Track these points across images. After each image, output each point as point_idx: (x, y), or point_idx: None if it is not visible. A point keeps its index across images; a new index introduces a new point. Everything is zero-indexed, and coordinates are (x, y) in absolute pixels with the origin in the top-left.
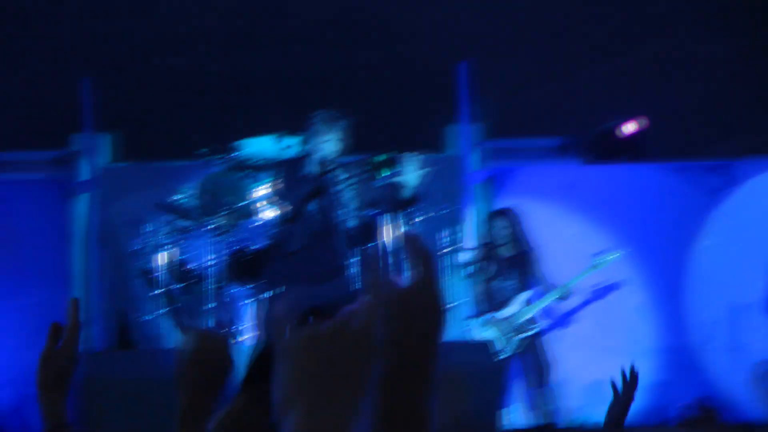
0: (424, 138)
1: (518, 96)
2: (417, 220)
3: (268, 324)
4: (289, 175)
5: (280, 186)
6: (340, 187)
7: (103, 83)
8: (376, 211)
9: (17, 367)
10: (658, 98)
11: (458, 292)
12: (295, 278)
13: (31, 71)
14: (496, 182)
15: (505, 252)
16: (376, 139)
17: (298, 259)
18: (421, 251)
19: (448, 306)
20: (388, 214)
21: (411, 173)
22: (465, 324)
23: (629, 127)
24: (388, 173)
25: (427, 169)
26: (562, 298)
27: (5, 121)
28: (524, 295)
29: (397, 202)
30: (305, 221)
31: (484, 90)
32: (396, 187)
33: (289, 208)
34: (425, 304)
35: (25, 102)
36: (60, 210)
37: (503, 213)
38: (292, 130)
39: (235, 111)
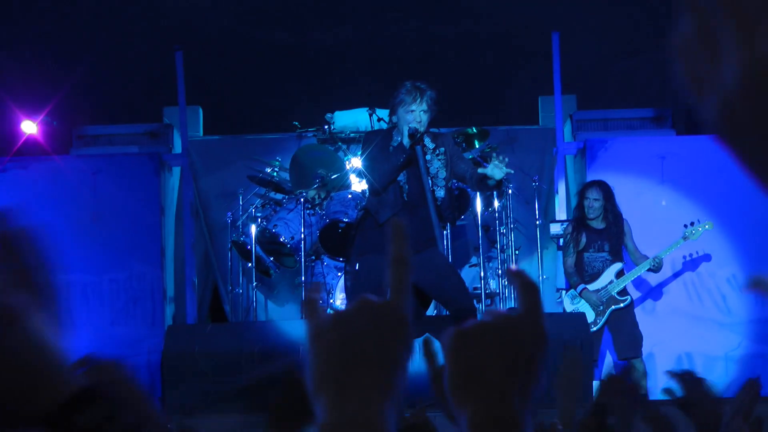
0: (516, 110)
1: (611, 66)
2: (509, 191)
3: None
4: (380, 146)
5: (372, 157)
6: (429, 157)
7: (196, 56)
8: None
9: (111, 340)
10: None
11: (550, 264)
12: (385, 250)
13: (125, 45)
14: (588, 153)
15: (597, 224)
16: (467, 111)
17: (389, 230)
18: (527, 285)
19: (549, 334)
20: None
21: (496, 167)
22: (556, 296)
23: None
24: (479, 145)
25: (511, 171)
26: (654, 269)
27: (100, 94)
28: (615, 267)
29: (479, 188)
30: (396, 191)
31: (576, 60)
32: (480, 176)
33: (380, 177)
34: (531, 334)
35: (119, 75)
36: (153, 183)
37: (596, 185)
38: (383, 103)
39: (327, 84)
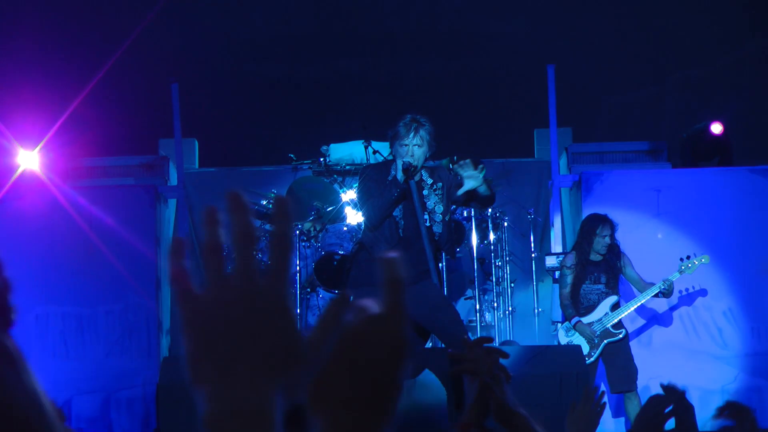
0: (512, 142)
1: (606, 99)
2: (504, 224)
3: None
4: (376, 179)
5: (367, 191)
6: (425, 191)
7: (192, 89)
8: (462, 212)
9: (106, 372)
10: (746, 101)
11: (545, 297)
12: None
13: (120, 77)
14: (583, 186)
15: (594, 256)
16: (463, 143)
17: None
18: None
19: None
20: (474, 215)
21: (468, 178)
22: (552, 329)
23: (717, 128)
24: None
25: (481, 166)
26: (665, 294)
27: (96, 126)
28: (611, 300)
29: (473, 206)
30: (392, 226)
31: (572, 93)
32: (465, 198)
33: (375, 212)
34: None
35: (115, 107)
36: (149, 215)
37: (608, 222)
38: (379, 135)
39: (323, 116)
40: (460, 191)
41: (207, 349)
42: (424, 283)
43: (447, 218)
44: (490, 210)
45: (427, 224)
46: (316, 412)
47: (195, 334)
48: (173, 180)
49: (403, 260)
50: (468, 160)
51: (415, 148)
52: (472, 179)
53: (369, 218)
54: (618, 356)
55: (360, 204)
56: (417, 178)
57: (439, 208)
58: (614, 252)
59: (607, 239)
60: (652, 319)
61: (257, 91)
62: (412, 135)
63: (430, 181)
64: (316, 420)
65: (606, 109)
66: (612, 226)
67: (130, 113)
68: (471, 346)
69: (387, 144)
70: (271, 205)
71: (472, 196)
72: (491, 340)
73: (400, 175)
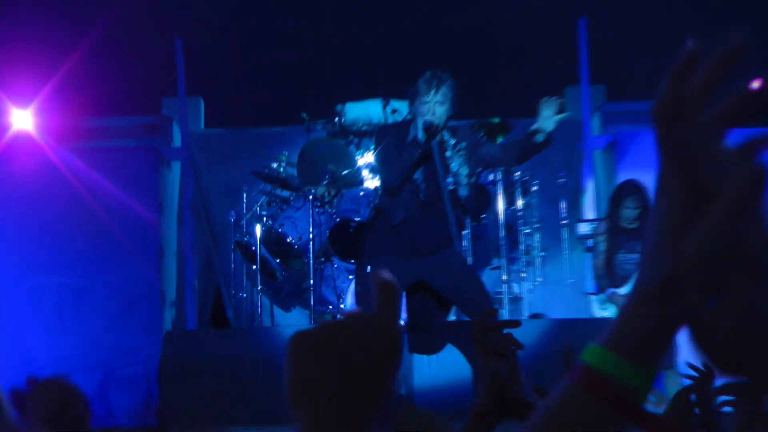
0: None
1: (642, 54)
2: (533, 188)
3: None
4: (395, 141)
5: (385, 153)
6: (448, 153)
7: (197, 44)
8: (490, 174)
9: (106, 348)
10: None
11: (578, 267)
12: (399, 251)
13: (122, 32)
14: (618, 148)
15: (631, 224)
16: (489, 103)
17: (403, 230)
18: (383, 284)
19: (400, 351)
20: (503, 176)
21: (547, 118)
22: (585, 301)
23: (757, 84)
24: (502, 139)
25: (564, 114)
26: None
27: (95, 84)
28: None
29: (524, 154)
30: (411, 190)
31: (605, 48)
32: (528, 134)
33: (394, 176)
34: (382, 341)
35: (115, 64)
36: (151, 179)
37: (633, 193)
38: (399, 93)
39: (339, 73)
40: (540, 136)
41: (305, 379)
42: (447, 251)
43: (473, 181)
44: (518, 173)
45: (450, 188)
46: (298, 404)
47: (298, 363)
48: (177, 142)
49: (424, 227)
50: (554, 98)
51: (436, 105)
52: (551, 121)
53: (387, 182)
54: None
55: (377, 167)
56: (439, 138)
57: (464, 170)
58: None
59: (634, 211)
60: None
61: (267, 46)
62: (433, 92)
63: (453, 141)
64: (297, 412)
65: (642, 64)
66: (642, 196)
67: (131, 70)
68: (491, 329)
69: (407, 102)
70: (282, 169)
71: (530, 144)
72: (518, 324)
73: (421, 135)
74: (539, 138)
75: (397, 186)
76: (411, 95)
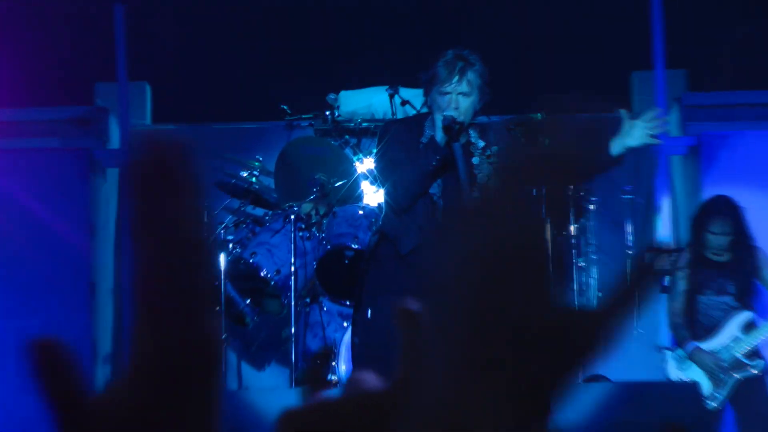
0: (600, 90)
1: (734, 32)
2: (589, 207)
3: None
4: (405, 142)
5: (392, 158)
6: (475, 159)
7: (144, 14)
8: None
9: (21, 416)
10: None
11: (649, 312)
12: (410, 290)
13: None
14: (703, 153)
15: (718, 255)
16: (530, 94)
17: (416, 262)
18: (413, 340)
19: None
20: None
21: (636, 135)
22: (659, 357)
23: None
24: (548, 140)
25: (657, 141)
26: None
27: (10, 66)
28: (742, 318)
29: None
30: (426, 208)
31: (687, 23)
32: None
33: (404, 189)
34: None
35: (37, 40)
36: (81, 191)
37: (722, 215)
38: (411, 80)
39: (332, 51)
40: (616, 149)
41: None
42: None
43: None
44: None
45: None
46: None
47: None
48: (115, 141)
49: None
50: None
51: (460, 97)
52: (638, 135)
53: (395, 197)
54: (754, 399)
55: (382, 176)
56: (463, 139)
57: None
58: (746, 249)
59: (723, 239)
60: None
61: (236, 15)
62: (456, 78)
63: (481, 144)
64: None
65: (735, 44)
66: (735, 217)
67: (57, 47)
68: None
69: (420, 92)
70: (255, 179)
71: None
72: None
73: (439, 136)
74: (608, 156)
75: (407, 202)
76: (427, 83)
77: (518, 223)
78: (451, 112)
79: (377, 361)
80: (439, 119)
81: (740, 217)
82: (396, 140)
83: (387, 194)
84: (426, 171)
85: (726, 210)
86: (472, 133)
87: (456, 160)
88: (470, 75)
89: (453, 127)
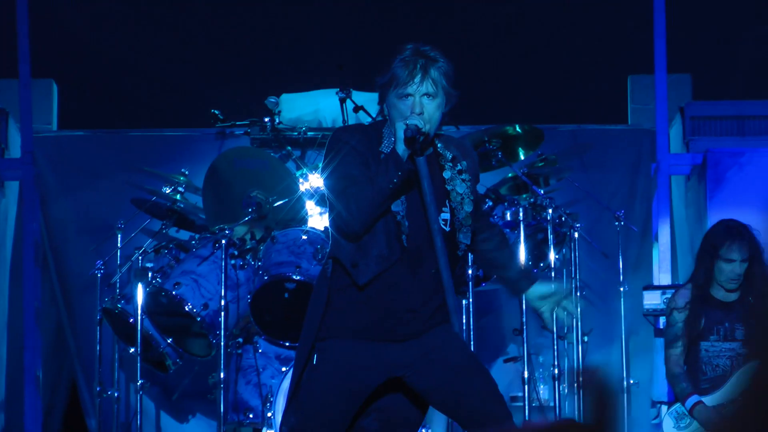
0: (589, 97)
1: (744, 34)
2: (574, 235)
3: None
4: (359, 152)
5: (344, 172)
6: (447, 173)
7: (50, 2)
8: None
9: None
10: None
11: (643, 360)
12: (368, 330)
13: None
14: (710, 173)
15: (724, 294)
16: (509, 102)
17: (375, 296)
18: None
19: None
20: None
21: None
22: (654, 413)
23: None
24: (527, 156)
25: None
26: None
27: None
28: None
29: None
30: (386, 232)
31: (690, 25)
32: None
33: (359, 209)
34: None
35: None
36: None
37: (740, 238)
38: (365, 81)
39: (272, 48)
40: (540, 290)
41: None
42: (440, 330)
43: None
44: (550, 211)
45: (446, 229)
46: None
47: None
48: (15, 150)
49: (405, 291)
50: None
51: (424, 99)
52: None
53: (347, 219)
54: None
55: (332, 196)
56: (429, 151)
57: (468, 205)
58: (756, 286)
59: (737, 267)
60: None
61: (161, 3)
62: (418, 78)
63: (449, 155)
64: None
65: (745, 47)
66: (751, 243)
67: None
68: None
69: (376, 95)
70: (179, 196)
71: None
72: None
73: (401, 148)
74: (521, 285)
75: (362, 225)
76: (383, 85)
77: None
78: (414, 120)
79: (321, 414)
80: (400, 128)
81: (758, 247)
82: (350, 152)
83: (337, 215)
84: (385, 190)
85: (740, 236)
86: (439, 144)
87: (420, 176)
88: (434, 73)
89: (417, 138)
